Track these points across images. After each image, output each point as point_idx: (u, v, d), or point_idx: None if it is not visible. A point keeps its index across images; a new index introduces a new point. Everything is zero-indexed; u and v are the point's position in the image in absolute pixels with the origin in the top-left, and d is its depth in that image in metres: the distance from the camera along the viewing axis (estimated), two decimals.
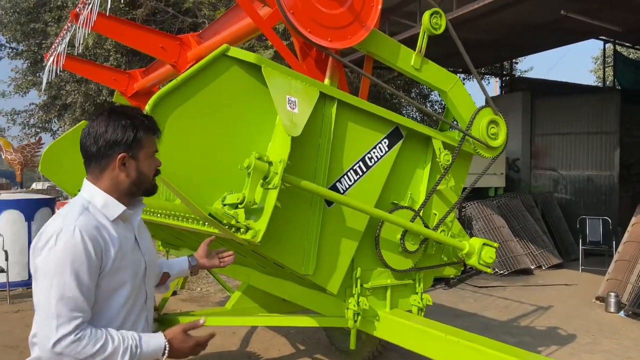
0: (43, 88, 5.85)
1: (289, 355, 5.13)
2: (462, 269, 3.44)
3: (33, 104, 13.49)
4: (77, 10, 3.56)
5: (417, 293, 3.14)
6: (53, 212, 9.17)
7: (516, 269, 8.93)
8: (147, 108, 2.16)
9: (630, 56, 17.08)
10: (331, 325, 3.36)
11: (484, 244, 3.10)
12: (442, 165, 3.07)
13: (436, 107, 18.49)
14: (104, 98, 11.76)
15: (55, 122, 12.96)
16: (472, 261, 3.10)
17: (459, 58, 3.12)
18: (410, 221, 2.95)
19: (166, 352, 1.69)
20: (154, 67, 4.96)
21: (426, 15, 2.91)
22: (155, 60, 4.99)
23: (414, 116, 18.24)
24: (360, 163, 2.82)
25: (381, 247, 2.93)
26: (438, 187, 3.11)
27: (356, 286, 2.89)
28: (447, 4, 7.10)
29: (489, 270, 3.19)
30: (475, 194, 10.65)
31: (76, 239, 1.58)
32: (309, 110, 2.45)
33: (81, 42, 3.63)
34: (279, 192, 2.30)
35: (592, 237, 9.64)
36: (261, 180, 2.30)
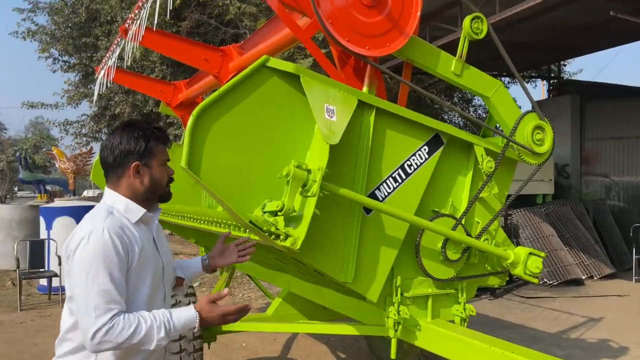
0: (95, 100, 6.12)
1: None
2: (507, 279, 3.34)
3: (84, 114, 14.11)
4: (126, 25, 3.70)
5: (459, 303, 3.06)
6: None
7: (566, 279, 8.62)
8: (190, 119, 2.22)
9: None
10: (371, 333, 3.33)
11: (530, 253, 3.01)
12: (484, 172, 3.00)
13: (479, 111, 18.11)
14: (150, 108, 12.13)
15: (105, 132, 13.47)
16: (518, 271, 3.01)
17: (503, 61, 3.05)
18: (452, 229, 2.90)
19: (197, 321, 1.82)
20: (197, 78, 5.08)
21: (467, 20, 2.87)
22: (198, 72, 5.12)
23: (457, 121, 17.92)
24: (400, 170, 2.79)
25: (422, 256, 2.88)
26: (481, 195, 3.04)
27: (396, 295, 2.85)
28: (489, 8, 6.98)
29: (535, 280, 3.08)
30: (522, 201, 10.35)
31: (105, 238, 1.74)
32: (347, 118, 2.45)
33: (130, 55, 3.77)
34: (317, 200, 2.31)
35: None
36: (300, 188, 2.31)
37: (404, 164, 2.80)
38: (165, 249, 2.02)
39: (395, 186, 2.78)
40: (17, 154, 14.31)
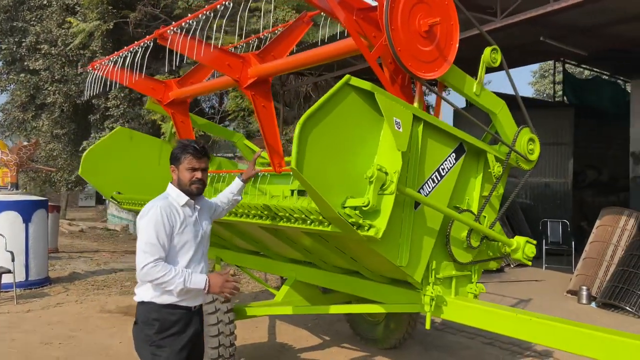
0: (85, 97, 5.99)
1: (318, 345, 5.60)
2: (503, 263, 4.06)
3: (9, 103, 13.11)
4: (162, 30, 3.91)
5: (472, 282, 3.72)
6: (48, 214, 9.06)
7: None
8: (297, 127, 2.62)
9: (585, 74, 18.71)
10: (407, 311, 3.89)
11: (527, 241, 3.73)
12: (494, 175, 3.67)
13: None
14: (84, 99, 11.71)
15: (30, 122, 12.64)
16: (518, 255, 3.71)
17: None
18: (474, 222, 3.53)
19: (207, 285, 2.69)
20: (187, 78, 5.34)
21: (487, 50, 3.50)
22: (187, 72, 5.38)
23: None
24: (436, 173, 3.36)
25: (451, 244, 3.49)
26: (487, 194, 3.71)
27: (431, 276, 3.43)
28: None
29: (529, 263, 3.82)
30: None
31: (157, 211, 2.69)
32: (408, 129, 2.97)
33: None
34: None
35: (553, 238, 10.68)
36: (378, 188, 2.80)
37: (439, 167, 3.38)
38: (205, 225, 2.96)
39: (433, 186, 3.35)
40: None
